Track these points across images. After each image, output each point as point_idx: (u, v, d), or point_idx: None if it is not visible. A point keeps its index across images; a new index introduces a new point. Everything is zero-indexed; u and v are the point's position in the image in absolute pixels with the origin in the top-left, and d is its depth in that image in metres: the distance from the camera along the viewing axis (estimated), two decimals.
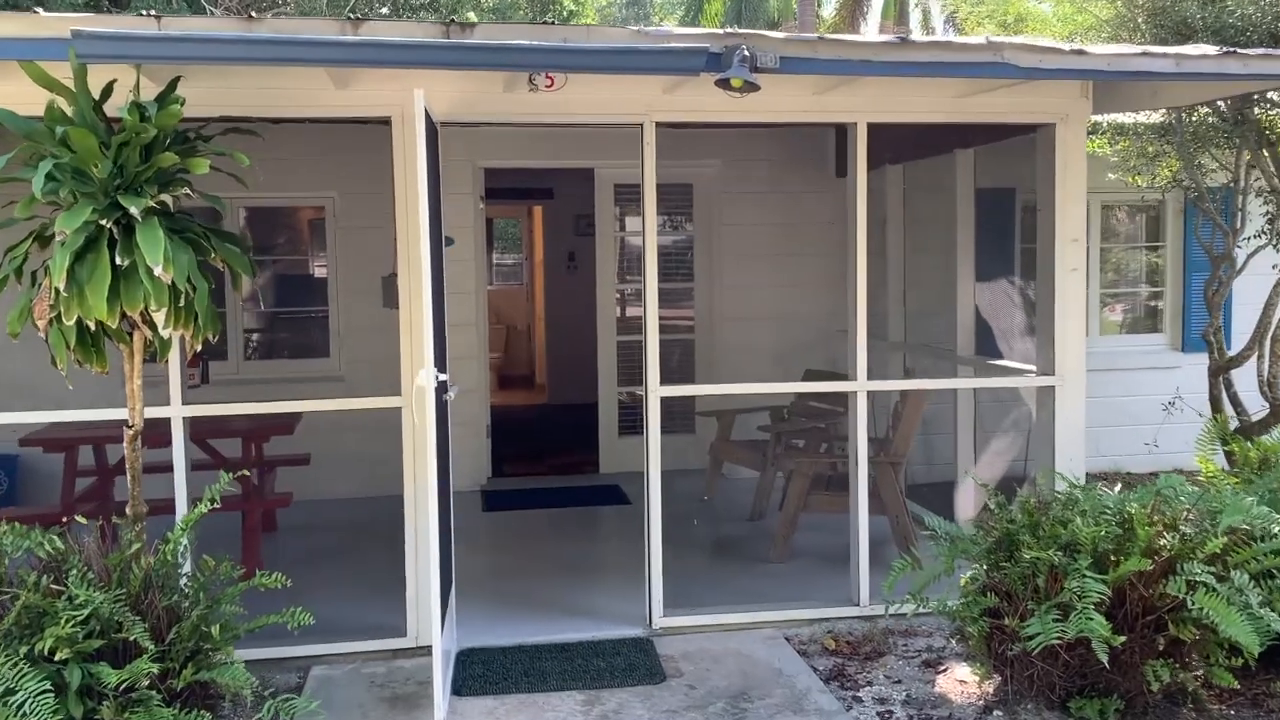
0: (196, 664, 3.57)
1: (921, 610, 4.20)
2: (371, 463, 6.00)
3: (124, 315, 3.68)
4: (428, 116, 4.04)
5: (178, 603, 3.66)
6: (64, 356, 3.74)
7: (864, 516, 5.16)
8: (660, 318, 4.94)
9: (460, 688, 4.31)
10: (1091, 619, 3.54)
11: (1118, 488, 4.25)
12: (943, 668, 4.51)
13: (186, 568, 3.98)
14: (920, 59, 4.21)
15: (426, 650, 4.30)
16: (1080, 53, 4.29)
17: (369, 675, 4.50)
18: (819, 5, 18.40)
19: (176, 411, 4.55)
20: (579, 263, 11.18)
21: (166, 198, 3.80)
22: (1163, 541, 3.79)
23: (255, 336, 8.00)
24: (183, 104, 3.74)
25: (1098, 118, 6.36)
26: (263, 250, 7.98)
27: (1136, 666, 3.74)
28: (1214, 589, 3.62)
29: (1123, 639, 3.62)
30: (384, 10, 11.80)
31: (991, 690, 4.18)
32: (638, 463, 5.12)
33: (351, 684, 4.42)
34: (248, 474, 4.91)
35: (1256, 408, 6.43)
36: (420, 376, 4.06)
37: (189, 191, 3.88)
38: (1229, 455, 5.21)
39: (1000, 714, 4.02)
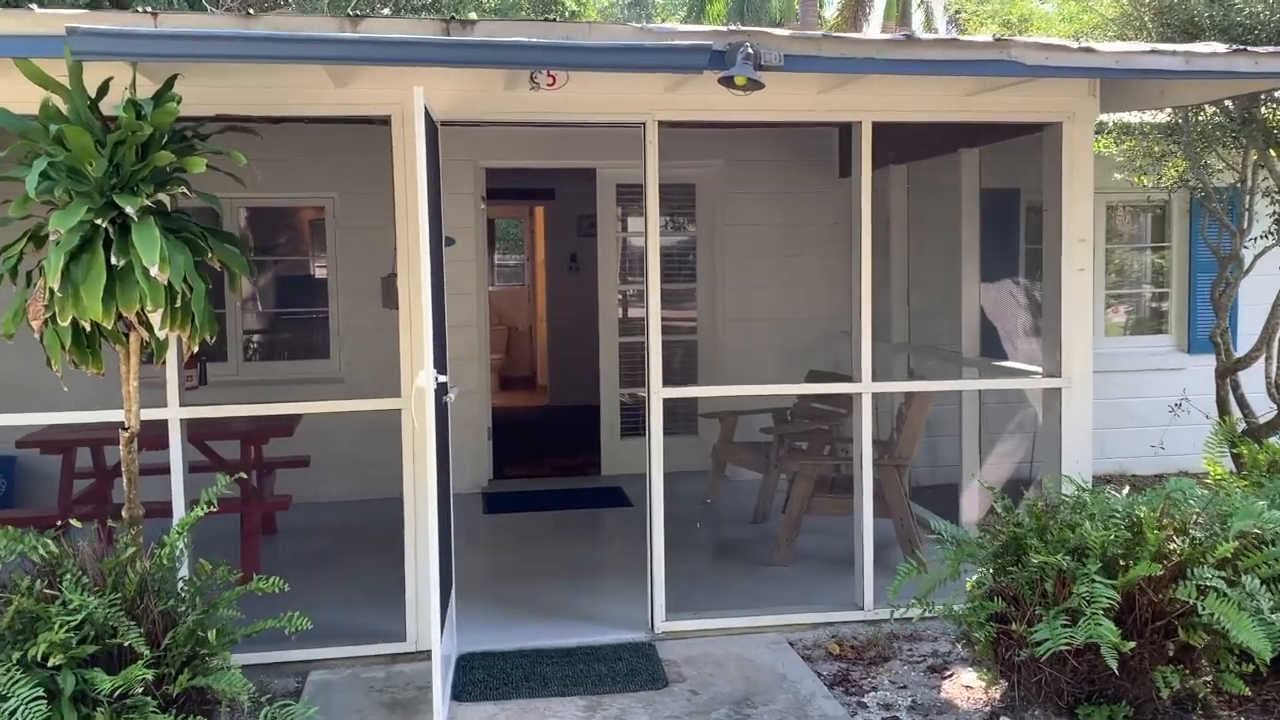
0: (193, 669, 3.51)
1: (927, 615, 4.15)
2: (372, 465, 5.95)
3: (120, 316, 3.62)
4: (428, 115, 3.99)
5: (174, 607, 3.61)
6: (59, 358, 3.69)
7: (868, 519, 5.11)
8: (663, 319, 4.89)
9: (460, 693, 4.27)
10: (1101, 624, 3.49)
11: (1125, 491, 4.20)
12: (948, 673, 4.46)
13: (183, 571, 3.94)
14: (926, 57, 4.17)
15: (426, 655, 4.25)
16: (1088, 50, 4.24)
17: (368, 680, 4.45)
18: (821, 6, 18.34)
19: (174, 413, 4.51)
20: (581, 263, 11.14)
21: (163, 197, 3.76)
22: (1172, 546, 3.75)
23: (255, 338, 7.95)
24: (179, 102, 3.69)
25: (1103, 117, 6.30)
26: (263, 251, 7.94)
27: (1146, 672, 3.69)
28: (1225, 594, 3.57)
29: (1132, 645, 3.57)
30: (385, 12, 11.76)
31: (998, 696, 4.13)
32: (640, 465, 5.08)
33: (350, 689, 4.37)
34: (245, 477, 4.86)
35: (1264, 409, 6.38)
36: (420, 378, 4.02)
37: (185, 191, 3.83)
38: (1236, 458, 5.16)
39: None
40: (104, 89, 3.71)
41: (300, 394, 6.06)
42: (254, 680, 3.68)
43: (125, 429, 3.90)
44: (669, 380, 4.93)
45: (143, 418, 4.00)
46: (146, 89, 3.80)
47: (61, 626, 3.27)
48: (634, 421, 7.97)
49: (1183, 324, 8.40)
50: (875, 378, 5.12)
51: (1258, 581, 3.65)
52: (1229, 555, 3.69)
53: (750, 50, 3.87)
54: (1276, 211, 6.28)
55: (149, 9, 3.72)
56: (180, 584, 3.75)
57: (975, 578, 4.09)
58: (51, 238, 3.50)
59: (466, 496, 7.36)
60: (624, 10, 22.89)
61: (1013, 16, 10.38)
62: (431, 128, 4.20)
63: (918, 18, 19.32)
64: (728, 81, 3.96)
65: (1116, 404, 7.71)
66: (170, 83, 3.79)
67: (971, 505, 6.25)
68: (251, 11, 3.80)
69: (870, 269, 5.03)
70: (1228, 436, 5.16)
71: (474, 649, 4.68)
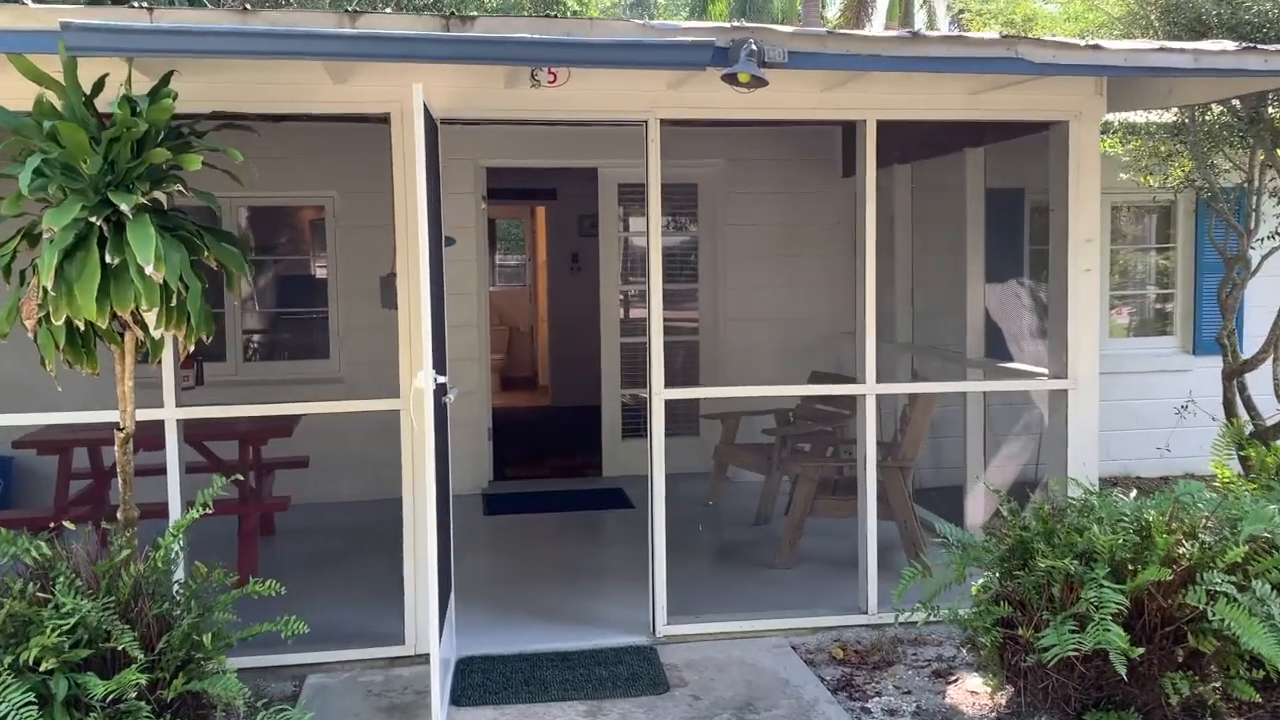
0: (187, 674, 3.46)
1: (932, 619, 4.09)
2: (372, 465, 5.91)
3: (114, 315, 3.57)
4: (427, 113, 3.95)
5: (169, 610, 3.55)
6: (53, 357, 3.65)
7: (872, 522, 5.05)
8: (664, 319, 4.84)
9: (459, 697, 4.22)
10: (1109, 630, 3.43)
11: (1133, 493, 4.14)
12: (953, 678, 4.41)
13: (179, 574, 3.88)
14: (932, 54, 4.11)
15: (425, 658, 4.21)
16: (1096, 48, 4.19)
17: (366, 684, 4.40)
18: (823, 6, 18.29)
19: (170, 414, 4.47)
20: (582, 264, 11.10)
21: (159, 195, 3.71)
22: (1181, 550, 3.69)
23: (254, 338, 7.91)
24: (175, 98, 3.64)
25: (1109, 117, 6.26)
26: (263, 250, 7.90)
27: (1154, 679, 3.63)
28: (1235, 599, 3.51)
29: (1141, 651, 3.51)
30: (388, 11, 11.72)
31: (1004, 702, 4.08)
32: (641, 466, 5.03)
33: (348, 693, 4.32)
34: (241, 478, 4.80)
35: (1271, 411, 6.32)
36: (418, 378, 3.97)
37: (182, 189, 3.78)
38: (1244, 460, 5.10)
39: None
40: (99, 85, 3.66)
41: (300, 394, 6.02)
42: (250, 684, 3.63)
43: (120, 430, 3.85)
44: (671, 381, 4.88)
45: (138, 418, 3.96)
46: (143, 85, 3.75)
47: (54, 630, 3.22)
48: (635, 422, 7.93)
49: (1188, 325, 8.35)
50: (879, 379, 5.06)
51: (1268, 587, 3.58)
52: (1239, 560, 3.63)
53: (754, 47, 3.82)
54: None
55: (144, 4, 3.67)
56: (175, 587, 3.70)
57: (981, 582, 4.03)
58: (45, 236, 3.46)
59: (467, 497, 7.32)
60: (626, 11, 22.87)
61: (1016, 16, 10.33)
62: (431, 125, 4.15)
63: (920, 18, 19.25)
64: (731, 79, 3.91)
65: (1121, 405, 7.65)
66: (166, 79, 3.75)
67: (976, 508, 6.20)
68: (249, 7, 3.76)
69: (875, 269, 4.98)
70: (1235, 439, 5.10)
71: (473, 652, 4.63)
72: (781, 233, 7.78)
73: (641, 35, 3.97)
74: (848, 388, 5.52)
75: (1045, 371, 5.34)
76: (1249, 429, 6.20)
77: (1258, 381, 6.47)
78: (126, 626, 3.33)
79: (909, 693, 4.29)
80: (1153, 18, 6.18)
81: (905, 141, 6.08)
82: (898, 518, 5.67)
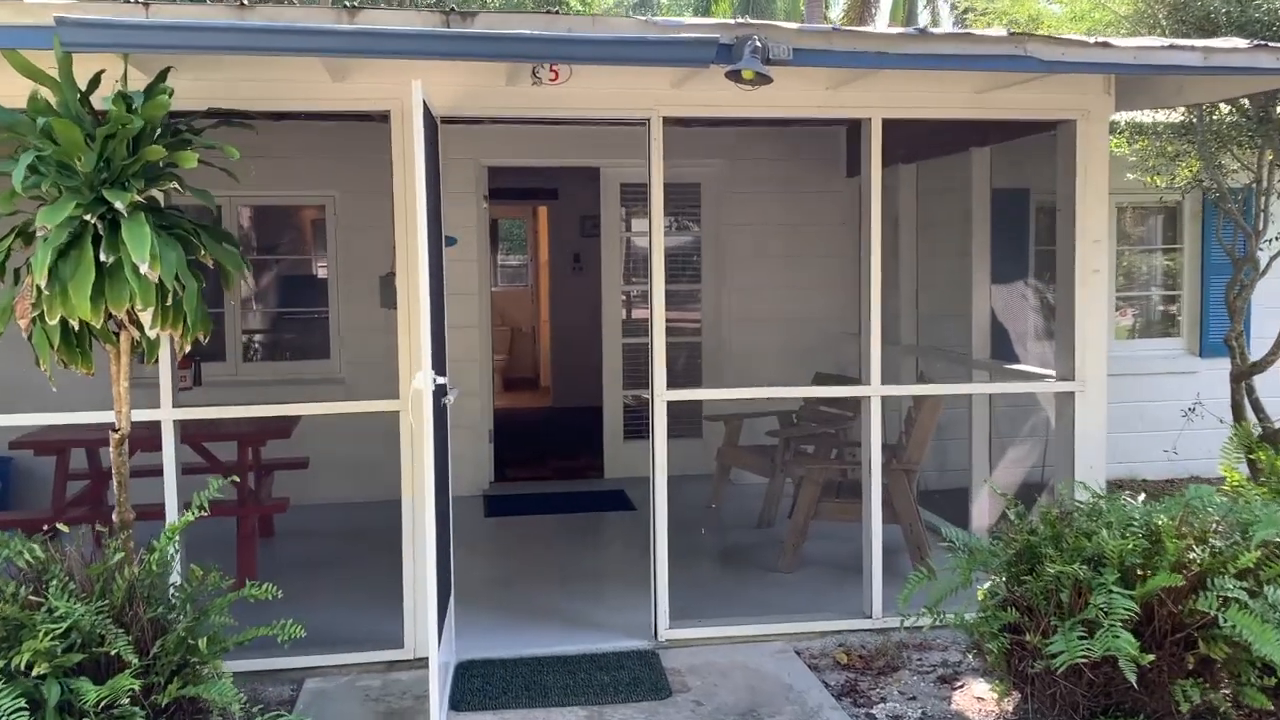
0: (182, 679, 3.41)
1: (937, 624, 4.04)
2: (372, 466, 5.86)
3: (109, 315, 3.53)
4: (427, 110, 3.90)
5: (164, 614, 3.50)
6: (47, 357, 3.60)
7: (877, 525, 5.00)
8: (667, 320, 4.79)
9: (458, 702, 4.16)
10: (1119, 637, 3.37)
11: (1141, 497, 4.09)
12: (959, 684, 4.35)
13: (174, 577, 3.83)
14: (940, 51, 4.06)
15: (424, 662, 4.16)
16: (1105, 45, 4.14)
17: (364, 688, 4.35)
18: (826, 6, 18.24)
19: (167, 414, 4.42)
20: (584, 264, 11.05)
21: (156, 193, 3.67)
22: (1192, 555, 3.63)
23: (254, 337, 7.86)
24: (171, 95, 3.60)
25: (1115, 117, 6.20)
26: (264, 250, 7.87)
27: (1165, 686, 3.57)
28: (1247, 605, 3.45)
29: (1151, 658, 3.45)
30: (383, 6, 11.67)
31: (1011, 708, 4.02)
32: (643, 467, 4.98)
33: (346, 697, 4.27)
34: (237, 480, 4.75)
35: (1279, 414, 6.26)
36: (417, 379, 3.92)
37: (178, 187, 3.74)
38: (1252, 464, 5.04)
39: None
40: (95, 82, 3.62)
41: (300, 395, 5.98)
42: (247, 688, 3.60)
43: (115, 431, 3.80)
44: (673, 382, 4.83)
45: (135, 419, 3.91)
46: (140, 82, 3.71)
47: (46, 634, 3.17)
48: (637, 424, 7.88)
49: (1195, 327, 8.29)
50: (884, 380, 5.01)
51: None
52: (1251, 565, 3.56)
53: (758, 44, 3.78)
54: None
55: None
56: (171, 590, 3.65)
57: (987, 586, 3.97)
58: (39, 234, 3.42)
59: (467, 499, 7.27)
60: (630, 11, 22.86)
61: (1021, 17, 10.26)
62: (431, 123, 4.10)
63: (924, 19, 19.22)
64: (735, 76, 3.86)
65: (1127, 407, 7.60)
66: (163, 75, 3.71)
67: (982, 511, 6.14)
68: (246, 2, 3.70)
69: (880, 269, 4.92)
70: (1245, 442, 5.04)
71: (473, 656, 4.58)
72: (785, 233, 7.73)
73: (645, 32, 3.92)
74: (852, 390, 5.46)
75: (1052, 374, 5.28)
76: (1257, 431, 6.13)
77: (1266, 384, 6.41)
78: (120, 630, 3.28)
79: (914, 698, 4.23)
80: (1160, 16, 6.12)
81: (910, 141, 6.03)
82: (903, 521, 5.61)
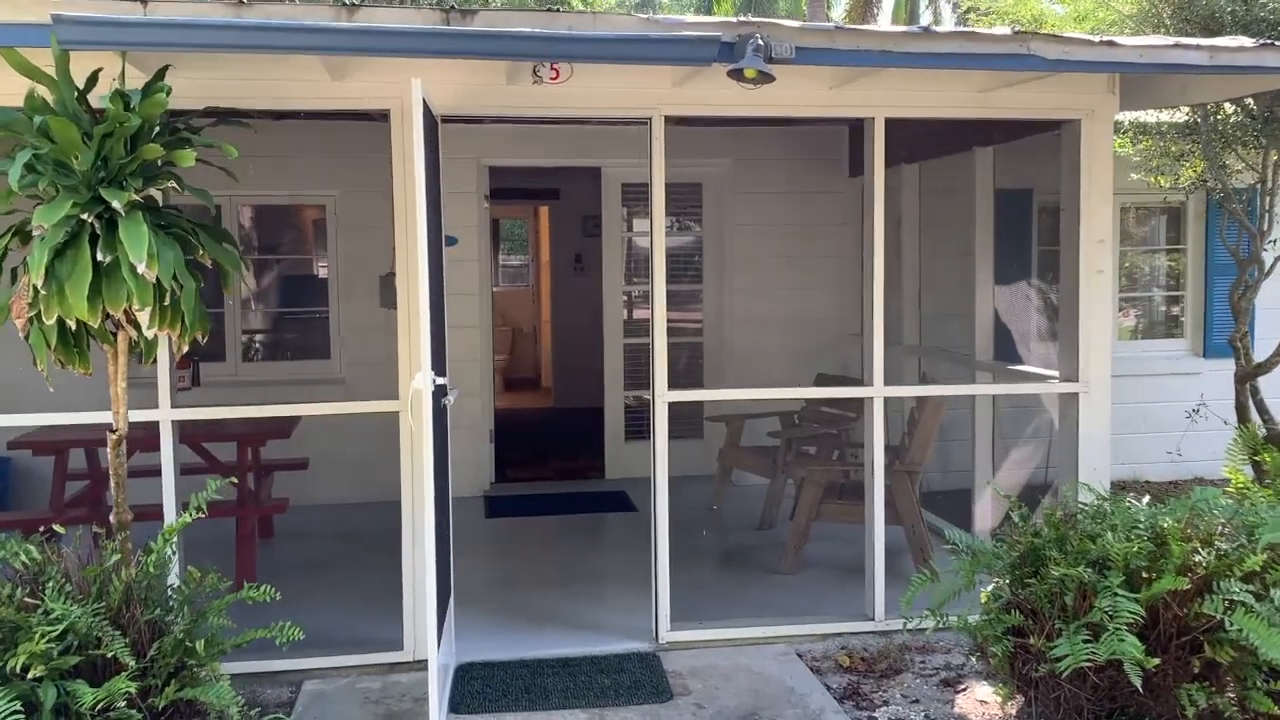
0: (180, 681, 3.39)
1: (941, 626, 4.00)
2: (372, 467, 5.83)
3: (107, 314, 3.50)
4: (427, 109, 3.87)
5: (161, 616, 3.47)
6: (44, 357, 3.57)
7: (879, 527, 4.97)
8: (668, 320, 4.76)
9: (458, 705, 4.14)
10: (1125, 640, 3.34)
11: (1145, 499, 4.06)
12: (962, 687, 4.32)
13: (172, 579, 3.80)
14: (943, 50, 4.03)
15: (424, 665, 4.14)
16: (1109, 43, 4.11)
17: (363, 691, 4.33)
18: (829, 5, 18.21)
19: (165, 415, 4.40)
20: (586, 264, 11.03)
21: (153, 192, 3.64)
22: (1198, 558, 3.60)
23: (254, 337, 7.84)
24: (169, 93, 3.57)
25: (1119, 117, 6.17)
26: (265, 250, 7.84)
27: (1170, 690, 3.54)
28: (1253, 609, 3.42)
29: (1156, 661, 3.42)
30: (382, 2, 11.66)
31: (1014, 712, 3.99)
32: (644, 468, 4.95)
33: (345, 700, 4.25)
34: (235, 481, 4.73)
35: None
36: (417, 379, 3.89)
37: (176, 186, 3.71)
38: (1257, 466, 5.01)
39: None
40: (93, 80, 3.59)
41: (300, 395, 5.95)
42: (246, 691, 3.57)
43: (113, 431, 3.77)
44: (674, 383, 4.81)
45: (133, 419, 3.89)
46: (138, 81, 3.68)
47: (42, 637, 3.14)
48: (638, 424, 7.85)
49: (1198, 328, 8.25)
50: (886, 381, 4.98)
51: None
52: (1257, 569, 3.53)
53: (760, 42, 3.75)
54: None
55: None
56: (168, 592, 3.62)
57: (991, 589, 3.94)
58: (36, 233, 3.39)
59: (468, 500, 7.24)
60: (631, 10, 22.84)
61: (1024, 17, 10.22)
62: (431, 122, 4.08)
63: (926, 18, 19.18)
64: (737, 74, 3.84)
65: (1130, 408, 7.55)
66: (161, 74, 3.67)
67: (985, 513, 6.11)
68: (244, 0, 3.67)
69: (883, 269, 4.90)
70: (1250, 444, 5.00)
71: (473, 658, 4.55)
72: (787, 233, 7.70)
73: (646, 30, 3.90)
74: (855, 390, 5.43)
75: (1056, 374, 5.26)
76: (1261, 433, 6.10)
77: (1270, 385, 6.38)
78: (117, 633, 3.25)
79: (917, 701, 4.21)
80: (1165, 15, 6.08)
81: (914, 140, 6.00)
82: (905, 523, 5.58)
